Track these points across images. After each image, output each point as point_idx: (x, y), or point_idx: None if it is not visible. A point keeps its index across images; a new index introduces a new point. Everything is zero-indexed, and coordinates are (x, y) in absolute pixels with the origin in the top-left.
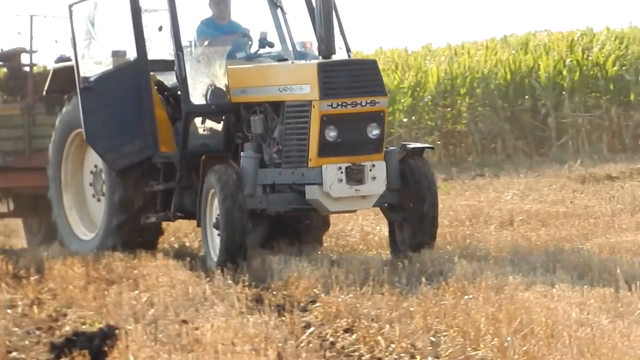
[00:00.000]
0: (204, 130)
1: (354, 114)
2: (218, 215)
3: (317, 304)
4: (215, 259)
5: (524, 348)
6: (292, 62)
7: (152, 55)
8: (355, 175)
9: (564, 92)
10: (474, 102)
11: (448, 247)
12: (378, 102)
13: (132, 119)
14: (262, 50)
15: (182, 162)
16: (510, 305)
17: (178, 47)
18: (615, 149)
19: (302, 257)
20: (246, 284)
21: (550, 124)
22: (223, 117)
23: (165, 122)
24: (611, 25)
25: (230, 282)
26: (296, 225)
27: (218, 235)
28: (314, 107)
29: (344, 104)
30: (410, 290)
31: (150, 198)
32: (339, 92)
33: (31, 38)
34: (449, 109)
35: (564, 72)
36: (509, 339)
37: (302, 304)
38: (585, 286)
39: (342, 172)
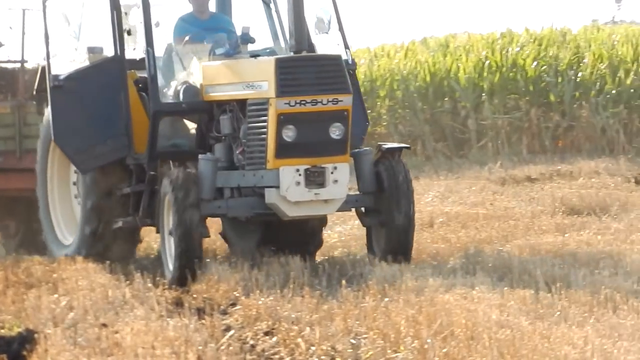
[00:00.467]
0: (176, 130)
1: (315, 113)
2: (174, 222)
3: (238, 307)
4: (171, 267)
5: (444, 350)
6: (255, 58)
7: (140, 52)
8: (315, 178)
9: (483, 94)
10: (394, 105)
11: None
12: (341, 101)
13: (106, 119)
14: (255, 47)
15: (151, 163)
16: (430, 307)
17: (148, 43)
18: (535, 150)
19: (222, 260)
20: (166, 287)
21: (470, 126)
22: (198, 116)
23: (145, 121)
24: (530, 27)
25: (150, 285)
26: (291, 235)
27: (174, 243)
28: (271, 105)
29: (302, 102)
30: (330, 293)
31: (124, 203)
32: (298, 89)
33: (23, 33)
34: (369, 111)
35: (484, 74)
36: (429, 341)
37: (222, 307)
38: (505, 288)
39: (300, 175)
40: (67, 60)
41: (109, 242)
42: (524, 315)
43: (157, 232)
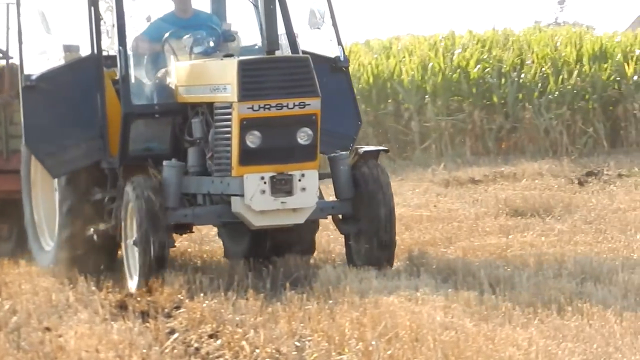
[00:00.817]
0: (151, 133)
1: (280, 118)
2: (137, 231)
3: (182, 310)
4: (135, 278)
5: (389, 352)
6: (222, 59)
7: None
8: (281, 186)
9: (426, 96)
10: None
11: None
12: (309, 104)
13: (81, 121)
14: (245, 44)
15: (122, 168)
16: (374, 309)
17: (121, 42)
18: (479, 152)
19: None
20: (110, 290)
21: (413, 128)
22: (171, 119)
23: None
24: (473, 28)
25: (94, 288)
26: (282, 240)
27: (138, 254)
28: (234, 109)
29: (267, 107)
30: (274, 295)
31: (100, 208)
32: (261, 93)
33: (7, 28)
34: None
35: (427, 76)
36: (373, 343)
37: (166, 310)
38: (450, 290)
39: (265, 183)
40: (42, 59)
41: (86, 250)
42: (468, 316)
43: (119, 240)
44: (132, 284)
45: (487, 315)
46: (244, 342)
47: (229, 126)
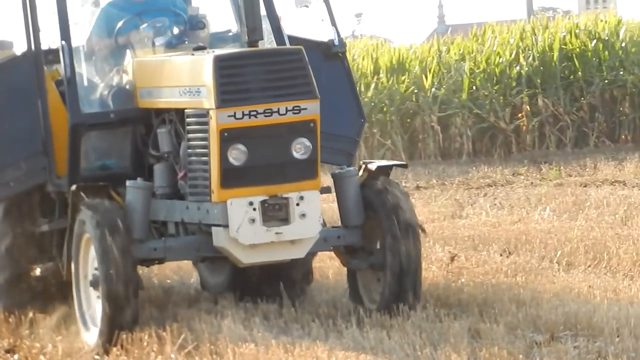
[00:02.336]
0: (107, 147)
1: (270, 127)
2: (96, 269)
3: None
4: (95, 330)
5: None
6: (192, 54)
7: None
8: (275, 213)
9: None
10: None
11: None
12: (305, 109)
13: (18, 134)
14: (219, 30)
15: (72, 191)
16: (174, 322)
17: (64, 36)
18: None
19: None
20: None
21: None
22: (132, 129)
23: None
24: None
25: None
26: (273, 268)
27: (98, 298)
28: (211, 118)
29: (253, 114)
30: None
31: (47, 243)
32: (245, 96)
33: None
34: None
35: None
36: (172, 356)
37: None
38: (249, 303)
39: (255, 210)
40: None
41: (33, 293)
42: (268, 329)
43: (66, 279)
44: (89, 336)
45: (287, 328)
46: (41, 357)
47: (206, 139)
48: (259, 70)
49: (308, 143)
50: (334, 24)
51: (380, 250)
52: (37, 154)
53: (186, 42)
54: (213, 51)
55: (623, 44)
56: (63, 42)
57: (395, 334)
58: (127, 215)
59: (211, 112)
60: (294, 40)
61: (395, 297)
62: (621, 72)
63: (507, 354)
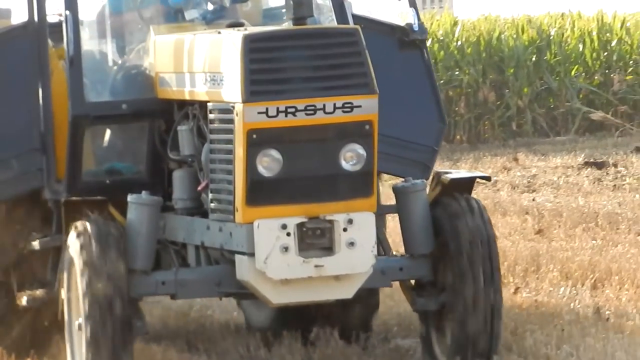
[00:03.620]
0: (118, 147)
1: (312, 129)
2: None
3: None
4: None
5: None
6: (219, 32)
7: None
8: (315, 240)
9: None
10: None
11: None
12: (359, 106)
13: (12, 125)
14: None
15: (65, 202)
16: None
17: (69, 4)
18: None
19: None
20: None
21: None
22: (148, 125)
23: None
24: None
25: None
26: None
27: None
28: (237, 115)
29: (290, 110)
30: None
31: (41, 264)
32: (281, 87)
33: None
34: None
35: None
36: None
37: None
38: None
39: (289, 235)
40: None
41: (20, 329)
42: None
43: (59, 319)
44: None
45: None
46: None
47: (230, 141)
48: (301, 54)
49: (362, 151)
50: (413, 4)
51: (453, 287)
52: (34, 151)
53: (226, 18)
54: (245, 29)
55: (458, 44)
56: (67, 12)
57: None
58: (128, 238)
59: (237, 107)
60: (360, 21)
61: (465, 343)
62: (457, 72)
63: None
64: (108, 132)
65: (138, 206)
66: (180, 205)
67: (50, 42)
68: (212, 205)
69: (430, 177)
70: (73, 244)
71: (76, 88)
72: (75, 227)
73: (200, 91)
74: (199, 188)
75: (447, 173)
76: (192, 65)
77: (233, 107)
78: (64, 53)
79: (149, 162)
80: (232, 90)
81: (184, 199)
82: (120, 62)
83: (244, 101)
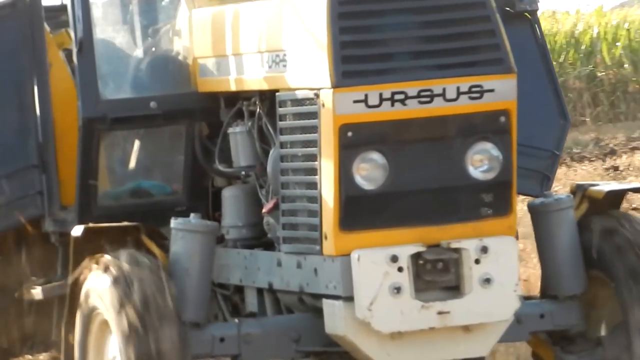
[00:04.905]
0: (143, 159)
1: (429, 122)
2: None
3: None
4: None
5: None
6: None
7: None
8: (436, 276)
9: None
10: None
11: None
12: (491, 90)
13: (1, 135)
14: None
15: (77, 236)
16: None
17: None
18: None
19: None
20: None
21: None
22: (186, 129)
23: None
24: None
25: None
26: None
27: None
28: (323, 106)
29: (398, 97)
30: None
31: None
32: (384, 66)
33: None
34: None
35: None
36: None
37: None
38: None
39: (401, 270)
40: None
41: None
42: None
43: None
44: None
45: None
46: None
47: (313, 142)
48: (409, 21)
49: (496, 152)
50: None
51: (615, 340)
52: (30, 168)
53: None
54: None
55: None
56: None
57: None
58: (173, 280)
59: (323, 95)
60: None
61: None
62: None
63: None
64: (131, 140)
65: (187, 235)
66: (234, 234)
67: (46, 27)
68: (284, 232)
69: (573, 192)
70: (96, 289)
71: (88, 82)
72: (100, 265)
73: (260, 78)
74: (265, 210)
75: (593, 185)
76: (248, 43)
77: (317, 95)
78: (64, 40)
79: (187, 179)
80: (313, 73)
81: (239, 226)
82: (144, 46)
83: (334, 86)
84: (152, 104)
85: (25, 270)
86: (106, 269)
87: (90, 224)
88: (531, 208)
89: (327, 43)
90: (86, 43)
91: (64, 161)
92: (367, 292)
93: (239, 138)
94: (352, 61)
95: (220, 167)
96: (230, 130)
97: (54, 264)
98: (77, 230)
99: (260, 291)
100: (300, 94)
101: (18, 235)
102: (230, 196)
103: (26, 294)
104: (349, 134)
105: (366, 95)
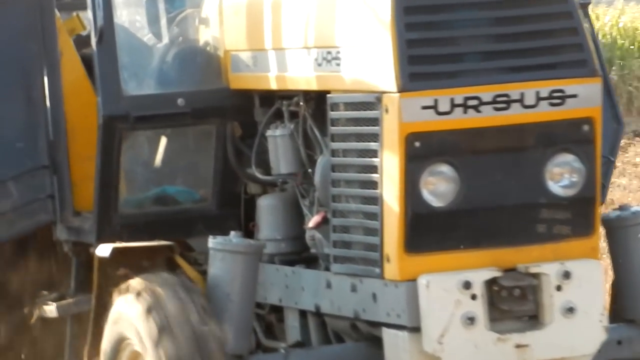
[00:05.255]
0: (169, 162)
1: (505, 132)
2: None
3: None
4: None
5: None
6: None
7: None
8: (513, 305)
9: None
10: None
11: None
12: (574, 96)
13: (7, 132)
14: None
15: (102, 242)
16: None
17: None
18: None
19: None
20: None
21: None
22: (216, 129)
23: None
24: None
25: None
26: None
27: None
28: (387, 111)
29: (471, 103)
30: None
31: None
32: (456, 68)
33: None
34: None
35: None
36: None
37: None
38: None
39: (474, 298)
40: None
41: None
42: None
43: None
44: None
45: None
46: None
47: (373, 152)
48: (484, 18)
49: (579, 165)
50: None
51: None
52: (39, 169)
53: None
54: None
55: None
56: None
57: None
58: (212, 306)
59: (386, 100)
60: None
61: None
62: None
63: None
64: (156, 141)
65: (228, 256)
66: (272, 249)
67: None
68: (335, 251)
69: None
70: (127, 316)
71: (109, 76)
72: (132, 290)
73: (306, 77)
74: (312, 224)
75: None
76: (290, 37)
77: (378, 99)
78: (75, 26)
79: (217, 184)
80: (374, 74)
81: (278, 239)
82: (170, 36)
83: (401, 90)
84: (180, 101)
85: (33, 283)
86: (138, 295)
87: (118, 244)
88: (606, 222)
89: (391, 41)
90: (107, 32)
91: (76, 161)
92: (437, 322)
93: (279, 142)
94: (420, 62)
95: (257, 173)
96: (268, 132)
97: (66, 276)
98: (103, 250)
99: (303, 313)
100: (357, 98)
101: (26, 244)
102: (267, 206)
103: (37, 310)
104: (417, 144)
105: (436, 101)
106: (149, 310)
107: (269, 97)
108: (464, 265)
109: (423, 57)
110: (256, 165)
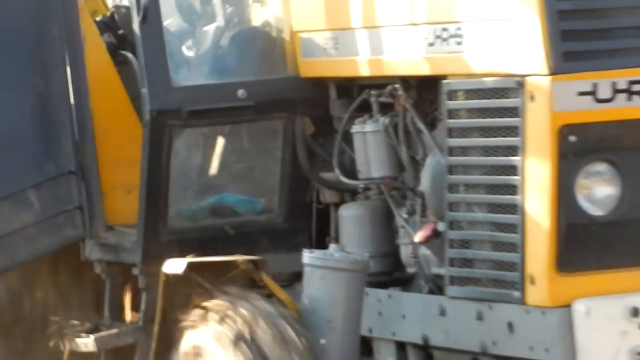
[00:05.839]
0: (228, 165)
1: None
2: None
3: None
4: None
5: None
6: None
7: None
8: None
9: None
10: None
11: None
12: None
13: (20, 132)
14: None
15: (147, 266)
16: None
17: None
18: None
19: None
20: None
21: None
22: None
23: (134, 137)
24: None
25: None
26: None
27: None
28: (532, 98)
29: (637, 87)
30: None
31: None
32: (616, 44)
33: None
34: None
35: None
36: None
37: None
38: None
39: None
40: None
41: None
42: None
43: None
44: None
45: None
46: None
47: (511, 149)
48: None
49: None
50: None
51: None
52: (64, 176)
53: None
54: None
55: None
56: None
57: None
58: (310, 335)
59: (533, 84)
60: None
61: None
62: None
63: None
64: (212, 140)
65: (329, 274)
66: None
67: None
68: (453, 270)
69: None
70: (213, 350)
71: (156, 63)
72: (214, 315)
73: (412, 60)
74: (419, 239)
75: None
76: (388, 12)
77: (520, 83)
78: (97, 7)
79: (284, 192)
80: (512, 53)
81: (373, 254)
82: (226, 17)
83: (553, 72)
84: (240, 93)
85: (58, 312)
86: (222, 320)
87: (192, 258)
88: None
89: (538, 12)
90: (152, 10)
91: (105, 165)
92: (600, 358)
93: (369, 139)
94: (576, 38)
95: (342, 176)
96: (354, 128)
97: (97, 302)
98: (173, 266)
99: (401, 346)
100: (487, 83)
101: (49, 265)
102: (352, 217)
103: (68, 343)
104: (571, 138)
105: (595, 85)
106: (237, 342)
107: (348, 87)
108: (629, 288)
109: (579, 32)
110: (340, 167)
